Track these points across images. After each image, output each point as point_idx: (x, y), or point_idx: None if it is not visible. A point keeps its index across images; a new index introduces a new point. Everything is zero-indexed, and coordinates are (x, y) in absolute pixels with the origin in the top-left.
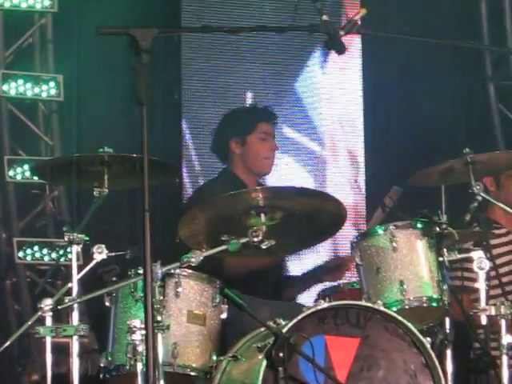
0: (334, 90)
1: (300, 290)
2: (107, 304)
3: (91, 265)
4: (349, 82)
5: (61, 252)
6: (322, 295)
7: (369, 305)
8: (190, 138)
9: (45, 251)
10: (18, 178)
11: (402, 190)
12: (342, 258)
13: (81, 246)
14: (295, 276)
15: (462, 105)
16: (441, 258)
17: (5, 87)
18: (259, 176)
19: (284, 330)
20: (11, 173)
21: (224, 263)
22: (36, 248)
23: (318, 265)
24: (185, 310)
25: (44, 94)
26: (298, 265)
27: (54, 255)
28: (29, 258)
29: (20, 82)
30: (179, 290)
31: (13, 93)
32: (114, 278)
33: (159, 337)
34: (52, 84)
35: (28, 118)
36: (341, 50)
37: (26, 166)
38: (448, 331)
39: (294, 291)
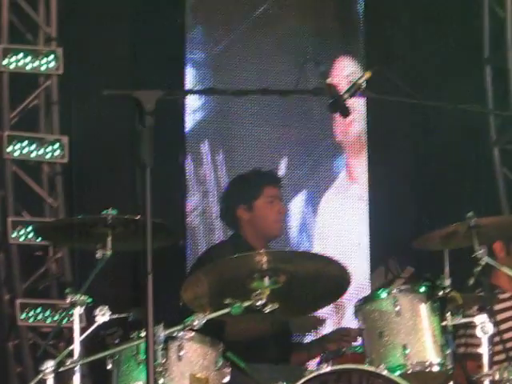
0: None
1: (307, 357)
2: (109, 367)
3: (93, 327)
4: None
5: (63, 314)
6: (324, 359)
7: (371, 369)
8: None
9: (47, 313)
10: (22, 239)
11: (414, 269)
12: (348, 329)
13: (83, 307)
14: (302, 343)
15: (467, 169)
16: (444, 323)
17: (9, 149)
18: (269, 240)
19: None
20: (15, 234)
21: (226, 327)
22: (39, 310)
23: (324, 334)
24: (187, 373)
25: (48, 156)
26: None
27: (56, 317)
28: (31, 319)
29: (25, 143)
30: (181, 353)
31: (17, 154)
32: (117, 341)
33: None
34: (56, 145)
35: (32, 179)
36: (345, 112)
37: (29, 228)
38: None
39: (301, 357)
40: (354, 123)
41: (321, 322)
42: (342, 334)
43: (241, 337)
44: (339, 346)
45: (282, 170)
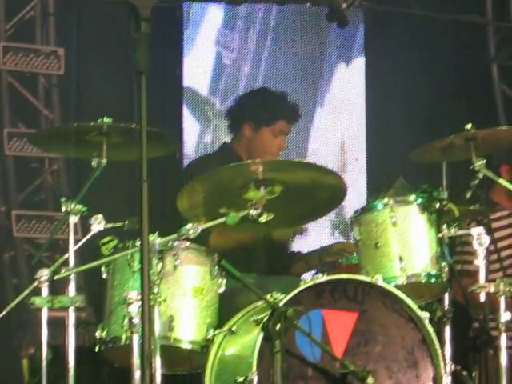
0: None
1: (304, 268)
2: (104, 276)
3: (89, 236)
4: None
5: (58, 224)
6: (320, 269)
7: (367, 279)
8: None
9: (43, 225)
10: (18, 151)
11: (407, 184)
12: (347, 243)
13: (78, 216)
14: (299, 253)
15: (465, 83)
16: (440, 235)
17: (5, 60)
18: None
19: (281, 304)
20: (10, 146)
21: (210, 239)
22: (34, 221)
23: (321, 247)
24: (182, 282)
25: (44, 68)
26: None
27: (52, 229)
28: (27, 231)
29: (21, 54)
30: (177, 262)
31: (13, 66)
32: (112, 250)
33: (156, 309)
34: (53, 57)
35: (28, 91)
36: (343, 23)
37: (25, 139)
38: (447, 308)
39: (299, 268)
40: None
41: (302, 229)
42: (340, 248)
43: (226, 248)
44: (336, 259)
45: None
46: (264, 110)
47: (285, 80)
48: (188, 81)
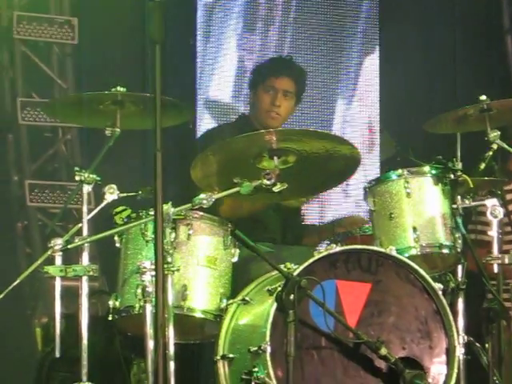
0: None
1: (317, 239)
2: (117, 245)
3: (102, 205)
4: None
5: (72, 194)
6: (333, 240)
7: (381, 250)
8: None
9: (56, 194)
10: (31, 120)
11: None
12: (356, 217)
13: (92, 186)
14: (312, 224)
15: (478, 55)
16: (455, 206)
17: (19, 29)
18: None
19: (295, 274)
20: (24, 115)
21: (219, 209)
22: (47, 191)
23: (333, 219)
24: (195, 252)
25: (58, 37)
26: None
27: (65, 198)
28: (40, 201)
29: (34, 24)
30: (190, 231)
31: (27, 35)
32: (125, 219)
33: (169, 278)
34: (66, 27)
35: (42, 60)
36: None
37: (39, 109)
38: (460, 279)
39: (312, 239)
40: None
41: (363, 221)
42: (352, 222)
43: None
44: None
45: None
46: (257, 70)
47: None
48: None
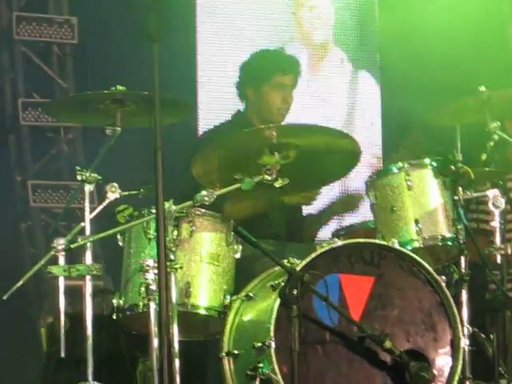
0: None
1: (319, 226)
2: (120, 244)
3: (104, 204)
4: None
5: (74, 193)
6: (336, 234)
7: (383, 243)
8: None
9: (59, 194)
10: (33, 120)
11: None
12: (351, 194)
13: (94, 185)
14: (311, 214)
15: (480, 45)
16: (456, 197)
17: (19, 30)
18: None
19: (298, 269)
20: (25, 115)
21: (224, 209)
22: (50, 191)
23: (331, 201)
24: (198, 249)
25: (58, 37)
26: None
27: (68, 198)
28: (43, 200)
29: (34, 24)
30: (193, 229)
31: (27, 36)
32: (127, 218)
33: (172, 276)
34: (66, 26)
35: (42, 60)
36: None
37: (40, 109)
38: (464, 271)
39: (312, 230)
40: None
41: (317, 193)
42: (346, 200)
43: (241, 216)
44: (347, 209)
45: None
46: (258, 67)
47: None
48: None
